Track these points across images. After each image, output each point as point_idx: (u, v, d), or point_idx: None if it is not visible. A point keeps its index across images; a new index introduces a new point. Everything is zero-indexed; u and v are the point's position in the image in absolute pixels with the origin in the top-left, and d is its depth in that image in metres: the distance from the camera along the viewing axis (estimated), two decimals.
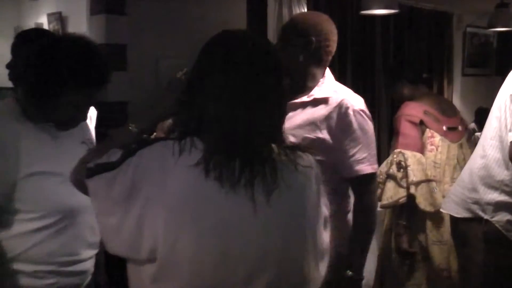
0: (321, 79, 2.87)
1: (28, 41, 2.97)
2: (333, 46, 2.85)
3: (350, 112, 2.75)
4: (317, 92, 2.82)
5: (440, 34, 7.95)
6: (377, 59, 7.04)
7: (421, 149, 3.86)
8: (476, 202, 3.16)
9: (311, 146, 2.64)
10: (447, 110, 4.10)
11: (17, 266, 2.31)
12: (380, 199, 3.84)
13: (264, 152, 1.73)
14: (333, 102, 2.78)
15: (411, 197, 3.80)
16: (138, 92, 4.69)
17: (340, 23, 6.57)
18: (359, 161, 2.76)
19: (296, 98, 2.83)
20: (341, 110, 2.75)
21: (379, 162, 4.04)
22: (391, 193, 3.82)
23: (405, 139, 3.86)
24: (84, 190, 1.84)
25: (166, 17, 5.02)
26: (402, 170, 3.76)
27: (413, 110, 3.92)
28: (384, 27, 7.08)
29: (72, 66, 2.25)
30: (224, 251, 1.67)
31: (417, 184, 3.76)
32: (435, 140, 3.90)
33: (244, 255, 1.69)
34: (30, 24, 8.69)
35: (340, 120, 2.75)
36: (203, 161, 1.67)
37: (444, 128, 3.96)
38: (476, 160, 3.23)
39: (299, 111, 2.81)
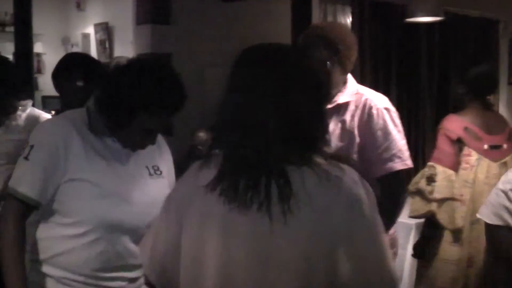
0: (344, 85, 2.88)
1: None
2: (355, 54, 2.89)
3: (374, 111, 2.76)
4: (340, 98, 2.83)
5: (486, 42, 7.86)
6: (421, 67, 6.98)
7: (455, 166, 3.78)
8: (508, 211, 3.13)
9: (344, 152, 2.70)
10: (493, 127, 3.96)
11: (46, 269, 2.33)
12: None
13: (285, 167, 1.67)
14: (357, 104, 2.80)
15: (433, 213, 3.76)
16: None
17: (385, 31, 6.55)
18: (388, 159, 2.74)
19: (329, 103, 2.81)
20: (365, 110, 2.77)
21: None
22: (417, 206, 3.78)
23: (439, 153, 3.80)
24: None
25: (212, 26, 5.05)
26: (432, 184, 3.72)
27: (452, 124, 3.85)
28: (429, 35, 7.02)
29: (151, 92, 2.25)
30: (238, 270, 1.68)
31: (440, 201, 3.71)
32: (471, 159, 3.81)
33: (260, 276, 1.66)
34: (77, 34, 8.82)
35: (365, 120, 2.76)
36: (215, 181, 1.70)
37: (486, 146, 3.85)
38: None
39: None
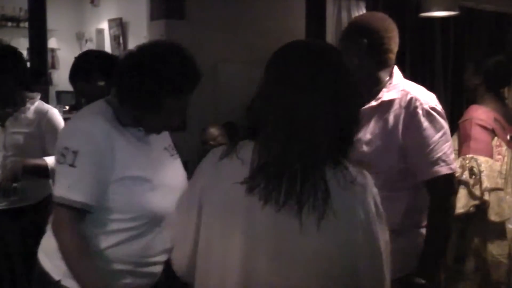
0: (388, 80, 2.75)
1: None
2: (390, 43, 2.73)
3: (419, 111, 2.61)
4: (385, 95, 2.69)
5: (500, 36, 7.81)
6: (436, 62, 6.95)
7: (492, 156, 3.71)
8: None
9: (383, 152, 2.62)
10: (509, 118, 3.98)
11: (98, 263, 2.31)
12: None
13: (320, 171, 1.68)
14: (402, 103, 2.65)
15: (480, 205, 3.69)
16: (197, 96, 4.72)
17: (399, 26, 6.42)
18: (434, 162, 2.59)
19: (365, 104, 2.67)
20: (410, 110, 2.62)
21: None
22: (466, 201, 3.67)
23: (478, 144, 3.68)
24: None
25: (225, 21, 5.05)
26: (474, 176, 3.64)
27: (484, 115, 3.76)
28: (443, 29, 6.98)
29: (177, 73, 2.27)
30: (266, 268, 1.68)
31: (490, 191, 3.64)
32: (502, 149, 3.76)
33: (289, 275, 1.68)
34: (91, 29, 8.84)
35: (409, 120, 2.62)
36: (252, 179, 1.68)
37: (508, 137, 3.85)
38: None
39: (369, 117, 2.68)
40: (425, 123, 2.60)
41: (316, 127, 1.67)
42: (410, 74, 6.60)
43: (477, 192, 3.60)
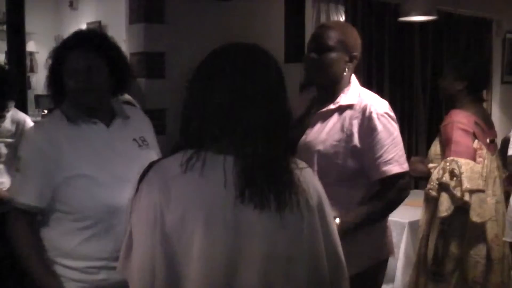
0: (347, 86, 2.91)
1: None
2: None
3: (374, 115, 2.78)
4: (342, 99, 2.86)
5: (479, 41, 7.87)
6: (415, 66, 6.99)
7: (474, 159, 3.78)
8: None
9: (338, 151, 2.79)
10: (488, 121, 4.03)
11: (69, 262, 2.41)
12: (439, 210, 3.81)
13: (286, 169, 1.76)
14: (358, 108, 2.82)
15: (462, 206, 3.72)
16: (176, 100, 4.71)
17: (378, 30, 6.55)
18: (387, 162, 2.76)
19: (324, 108, 2.89)
20: (365, 115, 2.79)
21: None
22: (448, 203, 3.73)
23: (459, 147, 3.76)
24: None
25: (205, 25, 5.04)
26: (455, 178, 3.69)
27: (465, 119, 3.83)
28: (422, 34, 7.03)
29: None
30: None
31: (471, 192, 3.69)
32: (483, 152, 3.82)
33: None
34: (69, 32, 8.79)
35: (365, 124, 2.78)
36: (235, 186, 1.68)
37: (488, 140, 3.90)
38: None
39: (326, 119, 2.87)
40: (379, 126, 2.77)
41: (267, 131, 1.72)
42: (389, 78, 6.63)
43: (458, 193, 3.64)
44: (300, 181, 1.76)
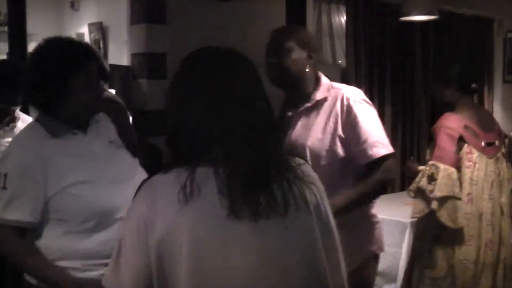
0: (318, 83, 3.04)
1: None
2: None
3: (352, 103, 2.91)
4: (317, 95, 3.00)
5: (481, 40, 7.87)
6: (416, 66, 6.98)
7: (456, 164, 3.77)
8: None
9: (325, 144, 2.90)
10: (486, 124, 3.98)
11: (67, 263, 2.41)
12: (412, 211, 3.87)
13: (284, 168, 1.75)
14: (334, 99, 2.96)
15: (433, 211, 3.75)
16: None
17: (380, 30, 6.55)
18: (372, 146, 2.87)
19: (301, 107, 3.03)
20: (344, 104, 2.91)
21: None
22: (422, 206, 3.77)
23: (440, 152, 3.77)
24: None
25: (206, 25, 5.04)
26: (433, 183, 3.71)
27: (453, 123, 3.82)
28: (423, 33, 7.02)
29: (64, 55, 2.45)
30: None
31: (440, 199, 3.69)
32: (473, 156, 3.80)
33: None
34: (71, 33, 8.79)
35: (345, 113, 2.90)
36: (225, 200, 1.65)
37: (483, 143, 3.86)
38: None
39: (307, 116, 3.00)
40: (359, 112, 2.89)
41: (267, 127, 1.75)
42: (390, 78, 6.63)
43: (430, 198, 3.68)
44: (299, 178, 1.76)
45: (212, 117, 1.69)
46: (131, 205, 1.74)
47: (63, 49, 2.48)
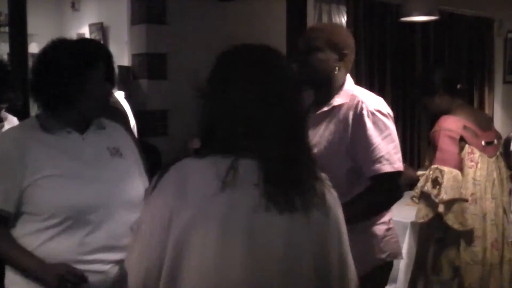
0: (341, 87, 2.92)
1: None
2: (354, 54, 2.97)
3: (364, 112, 2.78)
4: (336, 100, 2.88)
5: (481, 41, 7.86)
6: (417, 67, 6.98)
7: (459, 166, 3.77)
8: None
9: (334, 149, 2.81)
10: (484, 123, 3.99)
11: None
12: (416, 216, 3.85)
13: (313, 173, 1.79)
14: (350, 105, 2.84)
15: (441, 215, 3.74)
16: (178, 101, 4.72)
17: (380, 31, 6.55)
18: (376, 160, 2.75)
19: (318, 110, 2.91)
20: (356, 112, 2.80)
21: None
22: (426, 211, 3.75)
23: (443, 154, 3.76)
24: None
25: (206, 26, 5.05)
26: (438, 186, 3.69)
27: (452, 125, 3.83)
28: (424, 34, 7.03)
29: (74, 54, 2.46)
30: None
31: (448, 202, 3.69)
32: (475, 156, 3.80)
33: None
34: (72, 34, 8.80)
35: (355, 121, 2.79)
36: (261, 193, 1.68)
37: (483, 143, 3.86)
38: None
39: (321, 122, 2.90)
40: (369, 123, 2.77)
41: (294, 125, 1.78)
42: (391, 79, 6.63)
43: (437, 202, 3.67)
44: (323, 180, 1.81)
45: (252, 108, 1.72)
46: (159, 185, 1.74)
47: (78, 46, 2.53)
